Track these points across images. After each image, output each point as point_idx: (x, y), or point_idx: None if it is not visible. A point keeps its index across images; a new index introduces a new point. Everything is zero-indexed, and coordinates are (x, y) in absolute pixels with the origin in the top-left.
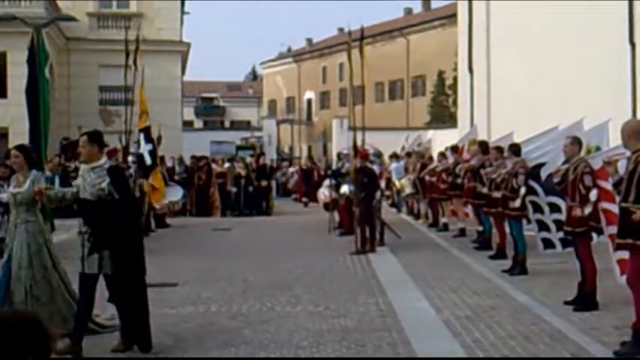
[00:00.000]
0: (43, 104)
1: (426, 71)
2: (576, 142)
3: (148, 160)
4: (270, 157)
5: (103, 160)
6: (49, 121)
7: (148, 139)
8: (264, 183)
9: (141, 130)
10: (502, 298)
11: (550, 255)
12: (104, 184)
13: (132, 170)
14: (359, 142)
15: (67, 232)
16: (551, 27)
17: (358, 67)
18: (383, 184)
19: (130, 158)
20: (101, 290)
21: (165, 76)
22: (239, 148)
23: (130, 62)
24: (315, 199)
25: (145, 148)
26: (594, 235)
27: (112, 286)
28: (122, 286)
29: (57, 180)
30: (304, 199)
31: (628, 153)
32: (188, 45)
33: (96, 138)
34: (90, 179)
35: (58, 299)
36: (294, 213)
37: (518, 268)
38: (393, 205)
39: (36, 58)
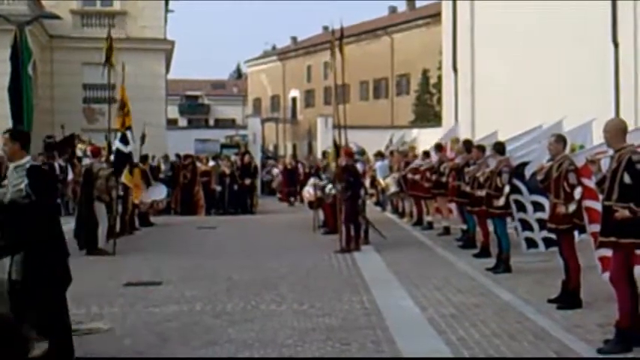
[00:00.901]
0: (27, 102)
1: (411, 70)
2: (561, 139)
3: (136, 158)
4: (254, 155)
5: (26, 159)
6: (33, 119)
7: (133, 137)
8: (248, 181)
9: (128, 128)
10: (486, 296)
11: (533, 254)
12: (22, 185)
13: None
14: (340, 141)
15: None
16: (535, 27)
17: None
18: (367, 182)
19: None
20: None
21: (149, 74)
22: (223, 146)
23: (112, 60)
24: (300, 198)
25: (133, 147)
26: (576, 233)
27: (18, 293)
28: (32, 294)
29: None
30: (291, 199)
31: (611, 151)
32: (172, 43)
33: (18, 135)
34: (13, 179)
35: (4, 302)
36: (279, 211)
37: (502, 266)
38: (377, 203)
39: (19, 56)
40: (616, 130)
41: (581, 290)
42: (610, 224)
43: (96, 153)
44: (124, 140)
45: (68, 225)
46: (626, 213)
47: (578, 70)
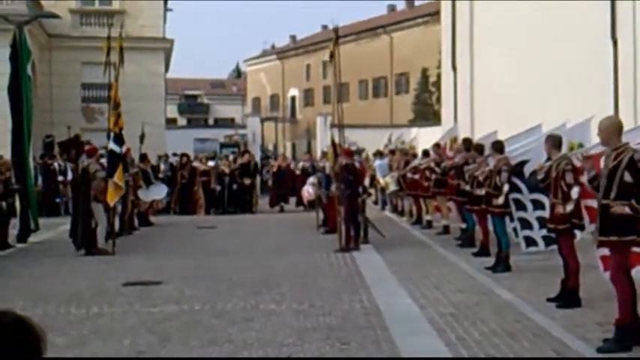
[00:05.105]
0: (26, 102)
1: (410, 68)
2: (550, 139)
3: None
4: (254, 153)
5: None
6: (32, 119)
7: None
8: (247, 181)
9: (121, 129)
10: (485, 295)
11: (533, 252)
12: None
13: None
14: (339, 140)
15: (51, 230)
16: (534, 25)
17: (343, 65)
18: (367, 181)
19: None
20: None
21: (148, 73)
22: (223, 145)
23: (113, 60)
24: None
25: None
26: (577, 232)
27: None
28: None
29: (39, 177)
30: (281, 204)
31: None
32: (171, 42)
33: None
34: None
35: None
36: (278, 211)
37: (502, 265)
38: (377, 202)
39: (18, 56)
40: (611, 129)
41: (580, 289)
42: (609, 223)
43: (92, 153)
44: (117, 140)
45: (66, 225)
46: (626, 209)
47: (577, 68)
